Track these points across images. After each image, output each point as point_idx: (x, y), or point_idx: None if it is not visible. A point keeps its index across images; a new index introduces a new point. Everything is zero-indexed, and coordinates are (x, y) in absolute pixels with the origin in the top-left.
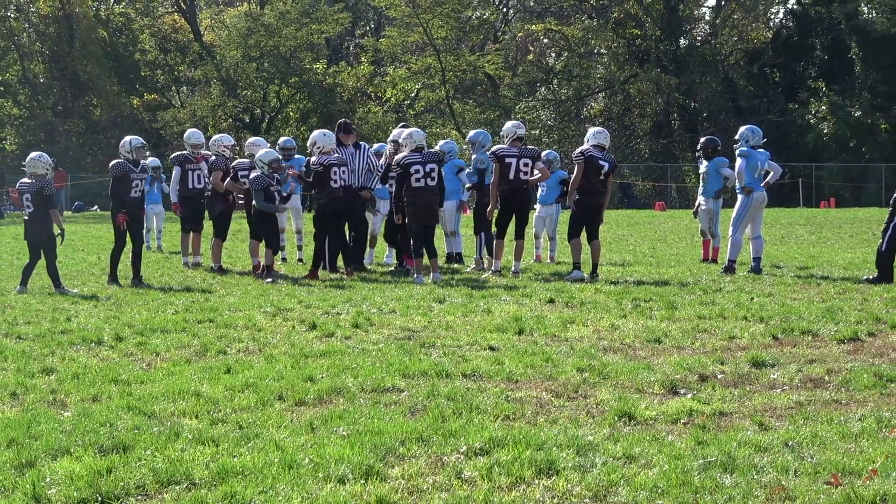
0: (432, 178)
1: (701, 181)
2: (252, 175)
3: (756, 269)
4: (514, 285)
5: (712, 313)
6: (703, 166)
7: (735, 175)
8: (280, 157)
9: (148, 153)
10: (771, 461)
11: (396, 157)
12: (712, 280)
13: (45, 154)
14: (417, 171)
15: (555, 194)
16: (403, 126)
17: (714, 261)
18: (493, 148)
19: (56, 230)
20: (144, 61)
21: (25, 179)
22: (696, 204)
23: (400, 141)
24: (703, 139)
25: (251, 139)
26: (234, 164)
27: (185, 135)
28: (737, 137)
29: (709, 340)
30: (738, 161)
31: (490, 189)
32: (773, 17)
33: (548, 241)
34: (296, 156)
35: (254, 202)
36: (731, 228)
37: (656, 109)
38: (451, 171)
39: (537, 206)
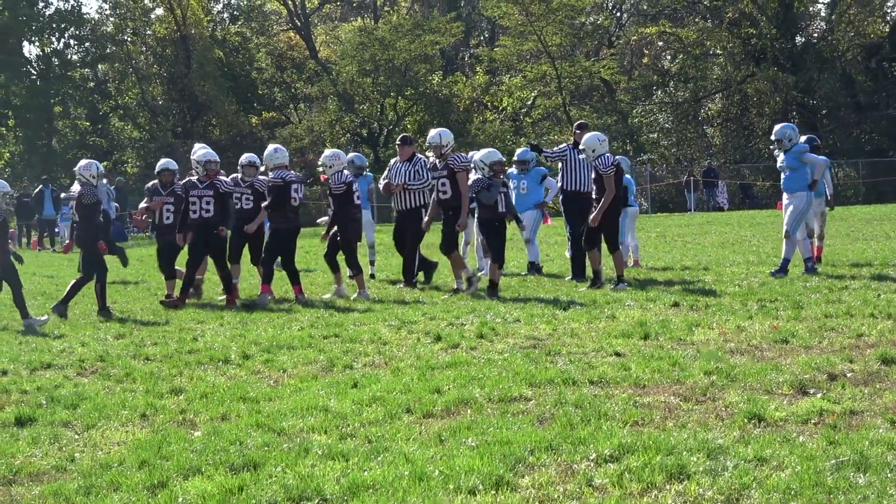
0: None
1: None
2: (472, 178)
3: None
4: (638, 290)
5: (839, 311)
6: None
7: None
8: (504, 159)
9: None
10: None
11: (343, 177)
12: (837, 278)
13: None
14: (357, 191)
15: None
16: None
17: (818, 259)
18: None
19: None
20: (261, 80)
21: None
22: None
23: (325, 161)
24: (804, 138)
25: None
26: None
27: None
28: (779, 137)
29: (836, 339)
30: (819, 159)
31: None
32: (889, 10)
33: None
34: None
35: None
36: (793, 230)
37: (774, 108)
38: (534, 180)
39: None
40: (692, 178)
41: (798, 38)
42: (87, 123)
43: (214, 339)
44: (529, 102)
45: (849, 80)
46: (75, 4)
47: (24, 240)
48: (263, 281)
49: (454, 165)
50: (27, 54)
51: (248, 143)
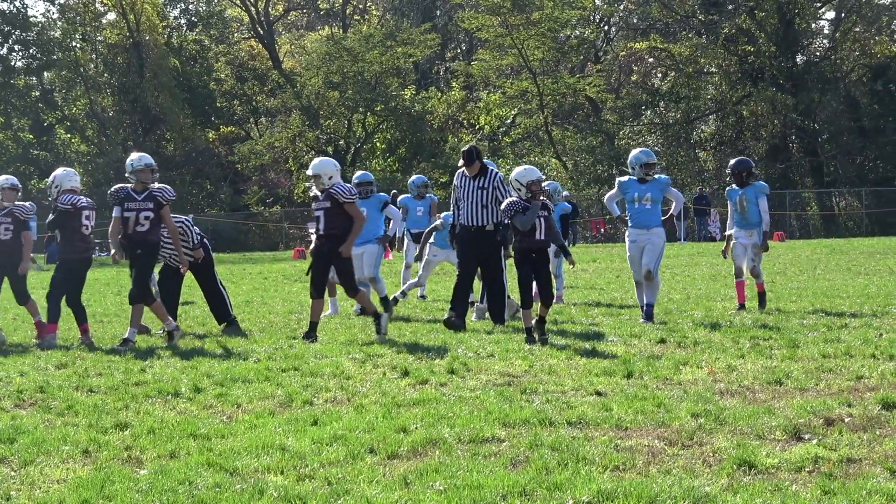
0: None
1: (737, 211)
2: (506, 202)
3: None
4: (622, 325)
5: (837, 351)
6: (740, 194)
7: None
8: (543, 177)
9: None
10: None
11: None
12: (837, 315)
13: None
14: (89, 219)
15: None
16: None
17: (762, 304)
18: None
19: None
20: (220, 91)
21: None
22: (728, 240)
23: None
24: (733, 161)
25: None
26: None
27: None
28: (654, 161)
29: (834, 381)
30: (679, 194)
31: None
32: None
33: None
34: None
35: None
36: (655, 270)
37: (772, 132)
38: (374, 208)
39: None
40: None
41: (799, 57)
42: (31, 136)
43: (163, 371)
44: (509, 121)
45: (853, 102)
46: (21, 7)
47: None
48: (49, 320)
49: (161, 196)
50: None
51: (203, 160)
